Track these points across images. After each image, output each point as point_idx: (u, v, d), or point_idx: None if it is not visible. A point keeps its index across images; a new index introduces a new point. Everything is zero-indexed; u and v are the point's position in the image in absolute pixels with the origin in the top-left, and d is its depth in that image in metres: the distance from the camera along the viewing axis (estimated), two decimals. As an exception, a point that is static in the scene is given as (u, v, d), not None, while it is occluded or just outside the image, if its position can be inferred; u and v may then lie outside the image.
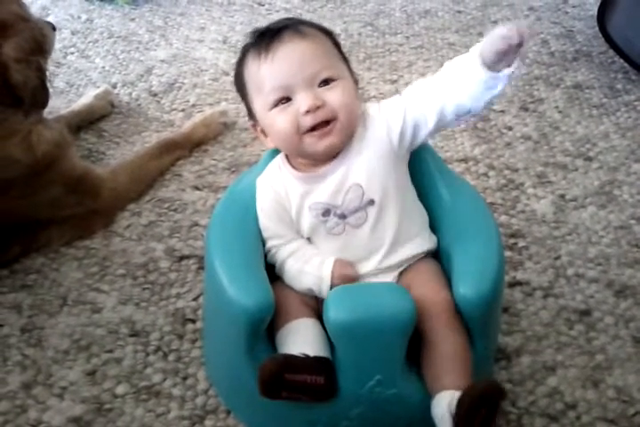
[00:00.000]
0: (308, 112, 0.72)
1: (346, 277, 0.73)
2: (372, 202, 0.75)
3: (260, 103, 0.76)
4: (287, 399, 0.69)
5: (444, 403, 0.67)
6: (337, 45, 0.79)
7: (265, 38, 0.75)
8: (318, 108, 0.72)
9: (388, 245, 0.76)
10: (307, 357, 0.69)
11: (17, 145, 0.96)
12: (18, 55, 0.97)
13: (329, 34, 0.79)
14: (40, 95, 1.01)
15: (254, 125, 0.81)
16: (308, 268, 0.74)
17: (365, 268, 0.76)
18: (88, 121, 1.31)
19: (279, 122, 0.74)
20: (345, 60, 0.79)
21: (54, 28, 1.15)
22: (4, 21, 0.98)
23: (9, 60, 0.96)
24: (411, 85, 0.76)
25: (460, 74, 0.72)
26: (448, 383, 0.68)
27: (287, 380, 0.67)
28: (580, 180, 1.20)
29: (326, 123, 0.73)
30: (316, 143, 0.74)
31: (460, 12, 1.81)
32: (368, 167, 0.75)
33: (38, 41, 1.02)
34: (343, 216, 0.76)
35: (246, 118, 0.83)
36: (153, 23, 1.73)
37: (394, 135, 0.75)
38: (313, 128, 0.73)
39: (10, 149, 0.95)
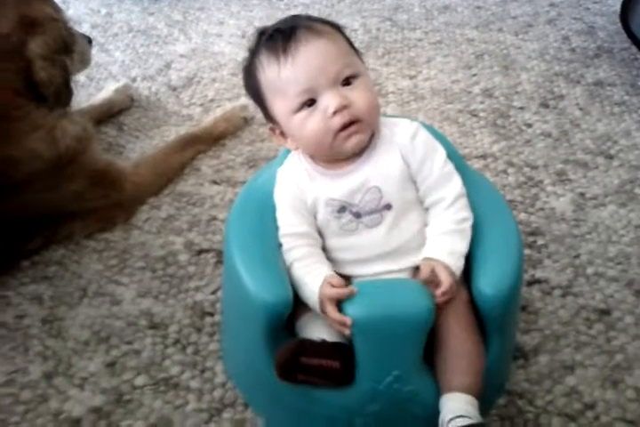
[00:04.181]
0: (335, 113, 0.72)
1: (329, 298, 0.69)
2: (388, 206, 0.75)
3: (282, 107, 0.75)
4: (303, 383, 0.69)
5: (447, 408, 0.68)
6: (347, 39, 0.78)
7: (279, 40, 0.73)
8: (345, 107, 0.72)
9: (404, 250, 0.75)
10: (323, 341, 0.70)
11: (40, 139, 0.97)
12: (44, 53, 0.98)
13: (339, 28, 0.78)
14: (63, 94, 1.03)
15: (273, 129, 0.80)
16: (307, 279, 0.73)
17: (379, 267, 0.76)
18: (108, 115, 1.32)
19: (309, 125, 0.73)
20: (357, 52, 0.78)
21: (90, 41, 1.18)
22: (33, 19, 0.99)
23: (35, 56, 0.98)
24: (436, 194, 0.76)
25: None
26: (456, 385, 0.69)
27: (303, 363, 0.68)
28: (600, 178, 1.18)
29: (353, 122, 0.73)
30: (345, 143, 0.74)
31: (479, 7, 1.80)
32: (389, 173, 0.75)
33: (65, 41, 1.04)
34: (358, 215, 0.76)
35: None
36: (172, 17, 1.74)
37: (414, 164, 0.76)
38: (341, 128, 0.72)
39: (33, 143, 0.96)
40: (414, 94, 1.41)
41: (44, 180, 0.98)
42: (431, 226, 0.76)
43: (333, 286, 0.70)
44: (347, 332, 0.68)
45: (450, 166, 0.77)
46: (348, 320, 0.68)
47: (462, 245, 0.74)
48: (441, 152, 0.77)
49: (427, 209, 0.77)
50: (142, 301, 0.94)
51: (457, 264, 0.73)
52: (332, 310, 0.69)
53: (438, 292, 0.70)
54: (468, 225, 0.75)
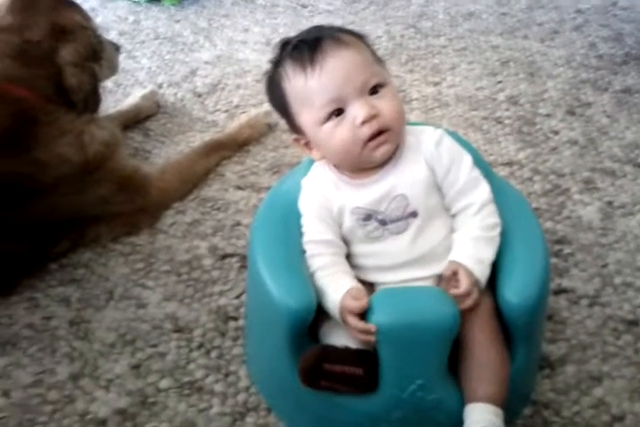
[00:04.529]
0: (364, 122, 0.72)
1: (349, 311, 0.69)
2: (414, 214, 0.75)
3: (308, 117, 0.75)
4: (327, 389, 0.69)
5: (471, 418, 0.67)
6: (371, 48, 0.78)
7: (305, 50, 0.73)
8: (374, 117, 0.72)
9: (429, 257, 0.75)
10: (347, 348, 0.69)
11: (69, 144, 0.99)
12: (74, 60, 1.01)
13: (362, 38, 0.78)
14: (92, 100, 1.05)
15: (297, 139, 0.80)
16: (329, 289, 0.72)
17: (404, 275, 0.75)
18: (134, 120, 1.34)
19: (337, 136, 0.73)
20: (381, 61, 0.78)
21: (118, 49, 1.20)
22: (64, 27, 1.02)
23: (65, 63, 1.00)
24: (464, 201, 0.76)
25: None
26: (480, 395, 0.68)
27: (326, 370, 0.68)
28: (628, 186, 1.17)
29: (381, 132, 0.73)
30: (373, 152, 0.74)
31: (504, 14, 1.79)
32: (415, 181, 0.75)
33: (95, 48, 1.06)
34: (384, 222, 0.75)
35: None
36: (197, 25, 1.76)
37: (440, 172, 0.76)
38: (370, 138, 0.72)
39: (62, 147, 0.98)
40: (438, 101, 1.41)
41: (71, 184, 0.99)
42: (459, 232, 0.75)
43: (354, 298, 0.70)
44: (372, 339, 0.68)
45: (476, 172, 0.77)
46: (373, 327, 0.67)
47: (489, 253, 0.74)
48: (467, 158, 0.76)
49: (454, 216, 0.77)
50: (167, 304, 0.95)
51: (483, 272, 0.72)
52: (353, 321, 0.69)
53: (455, 292, 0.69)
54: (496, 232, 0.75)
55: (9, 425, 0.79)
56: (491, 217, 0.75)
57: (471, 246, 0.73)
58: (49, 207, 0.98)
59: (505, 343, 0.72)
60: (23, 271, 0.99)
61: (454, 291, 0.70)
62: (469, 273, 0.71)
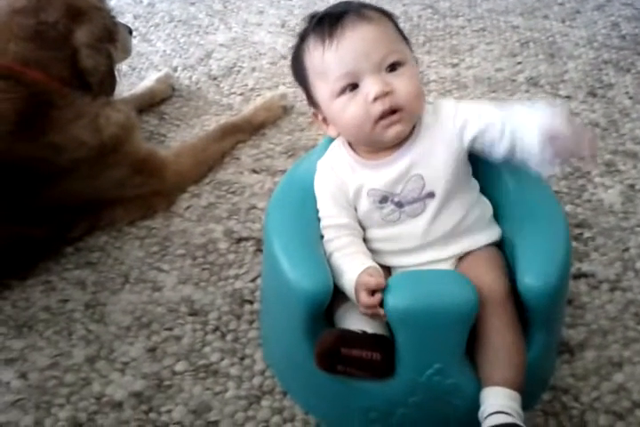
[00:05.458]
0: (376, 99, 0.70)
1: (366, 287, 0.68)
2: (431, 195, 0.74)
3: (324, 91, 0.74)
4: (343, 374, 0.69)
5: (488, 402, 0.66)
6: (398, 27, 0.77)
7: (326, 24, 0.73)
8: (387, 94, 0.70)
9: (447, 238, 0.74)
10: (364, 333, 0.69)
11: (84, 127, 0.98)
12: (89, 41, 1.00)
13: (389, 16, 0.77)
14: (108, 82, 1.04)
15: (316, 114, 0.79)
16: (346, 267, 0.72)
17: (421, 258, 0.75)
18: (149, 104, 1.33)
19: (349, 111, 0.72)
20: (406, 41, 0.77)
21: (131, 32, 1.19)
22: (78, 9, 1.01)
23: (81, 45, 0.99)
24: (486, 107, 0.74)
25: (520, 134, 0.70)
26: (497, 379, 0.68)
27: (343, 354, 0.67)
28: (651, 169, 1.14)
29: (394, 111, 0.71)
30: (385, 132, 0.72)
31: (525, -7, 1.75)
32: (433, 160, 0.74)
33: (109, 29, 1.05)
34: (400, 205, 0.74)
35: (304, 102, 0.82)
36: (212, 7, 1.74)
37: (467, 136, 0.73)
38: (382, 116, 0.71)
39: (77, 130, 0.98)
40: (457, 83, 1.38)
41: (87, 167, 0.99)
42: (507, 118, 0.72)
43: (371, 276, 0.69)
44: (381, 313, 0.67)
45: (480, 105, 0.75)
46: (381, 311, 0.67)
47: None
48: (475, 105, 0.75)
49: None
50: (183, 287, 0.95)
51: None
52: (364, 297, 0.68)
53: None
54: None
55: (26, 407, 0.80)
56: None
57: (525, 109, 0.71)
58: (65, 191, 0.98)
59: (521, 327, 0.71)
60: (40, 255, 0.99)
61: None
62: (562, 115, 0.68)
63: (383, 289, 0.68)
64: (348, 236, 0.75)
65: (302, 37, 0.76)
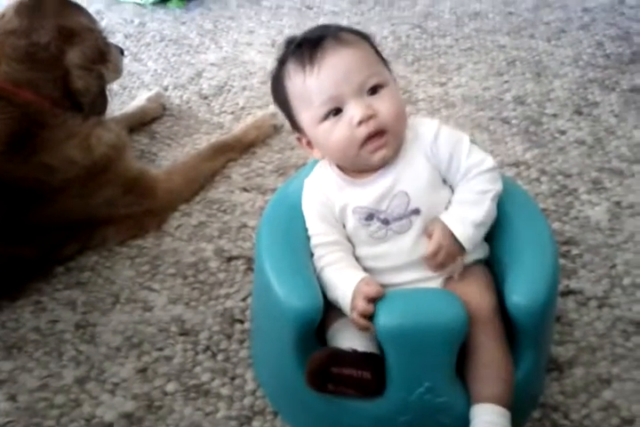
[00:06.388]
0: (361, 123, 0.71)
1: (365, 295, 0.69)
2: (417, 211, 0.74)
3: (307, 116, 0.75)
4: (334, 393, 0.69)
5: (477, 419, 0.67)
6: (376, 49, 0.78)
7: (306, 49, 0.73)
8: (371, 117, 0.71)
9: None
10: (354, 351, 0.69)
11: (75, 147, 0.99)
12: (81, 62, 1.01)
13: (367, 38, 0.78)
14: (99, 102, 1.05)
15: (300, 138, 0.80)
16: (338, 281, 0.72)
17: (411, 275, 0.75)
18: (140, 123, 1.34)
19: (334, 135, 0.73)
20: (384, 62, 0.78)
21: (122, 53, 1.20)
22: (71, 30, 1.02)
23: (72, 66, 1.00)
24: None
25: None
26: (486, 395, 0.68)
27: (334, 373, 0.67)
28: (636, 186, 1.16)
29: (379, 134, 0.72)
30: (371, 157, 0.73)
31: (511, 13, 1.78)
32: (416, 177, 0.75)
33: (101, 50, 1.06)
34: (386, 222, 0.75)
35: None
36: (203, 27, 1.76)
37: (442, 164, 0.75)
38: (367, 138, 0.72)
39: (69, 150, 0.98)
40: (445, 102, 1.40)
41: (78, 186, 0.99)
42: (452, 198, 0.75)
43: (369, 285, 0.70)
44: (371, 326, 0.68)
45: (475, 149, 0.76)
46: (372, 307, 0.68)
47: (475, 214, 0.73)
48: (465, 141, 0.75)
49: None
50: (173, 307, 0.95)
51: (465, 231, 0.72)
52: (363, 304, 0.68)
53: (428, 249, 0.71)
54: (488, 196, 0.74)
55: (16, 429, 0.80)
56: (487, 183, 0.74)
57: (456, 209, 0.74)
58: (57, 210, 0.98)
59: (508, 344, 0.71)
60: (30, 275, 0.99)
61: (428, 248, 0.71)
62: (444, 228, 0.72)
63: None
64: (339, 251, 0.75)
65: (281, 62, 0.77)
